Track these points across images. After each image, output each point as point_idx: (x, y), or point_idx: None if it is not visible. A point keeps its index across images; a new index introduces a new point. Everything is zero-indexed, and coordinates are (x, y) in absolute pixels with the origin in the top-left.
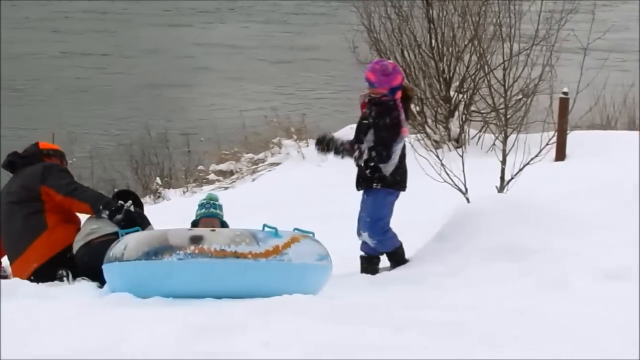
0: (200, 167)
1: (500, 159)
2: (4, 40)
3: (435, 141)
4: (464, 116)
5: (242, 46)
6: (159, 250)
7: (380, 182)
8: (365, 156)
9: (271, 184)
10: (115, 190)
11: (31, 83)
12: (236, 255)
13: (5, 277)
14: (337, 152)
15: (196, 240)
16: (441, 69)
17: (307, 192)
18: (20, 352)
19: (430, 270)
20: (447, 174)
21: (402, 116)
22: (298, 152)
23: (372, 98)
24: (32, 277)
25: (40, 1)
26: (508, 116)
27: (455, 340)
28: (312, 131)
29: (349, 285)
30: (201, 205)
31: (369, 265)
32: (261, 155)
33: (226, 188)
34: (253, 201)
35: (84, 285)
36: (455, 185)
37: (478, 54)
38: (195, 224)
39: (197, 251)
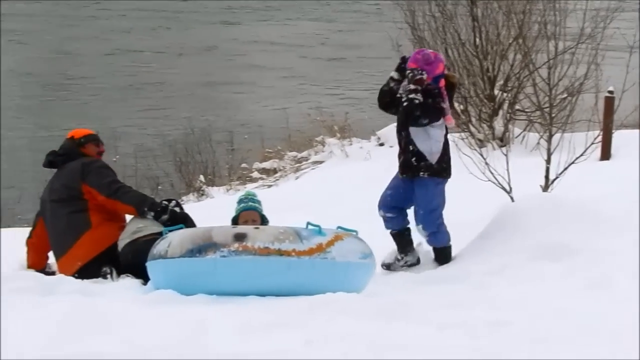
0: (243, 165)
1: (545, 158)
2: (57, 38)
3: (480, 140)
4: (508, 115)
5: (293, 44)
6: (203, 247)
7: (427, 170)
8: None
9: (314, 182)
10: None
11: (83, 80)
12: (280, 252)
13: (52, 273)
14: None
15: (240, 237)
16: (485, 67)
17: (350, 190)
18: (64, 349)
19: (474, 269)
20: (492, 173)
21: (446, 104)
22: (341, 151)
23: (416, 88)
24: (76, 275)
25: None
26: (553, 115)
27: (499, 339)
28: (356, 130)
29: (392, 283)
30: (240, 201)
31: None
32: (305, 154)
33: (269, 186)
34: (296, 199)
35: (128, 282)
36: (500, 184)
37: (522, 53)
38: (235, 219)
39: (240, 249)
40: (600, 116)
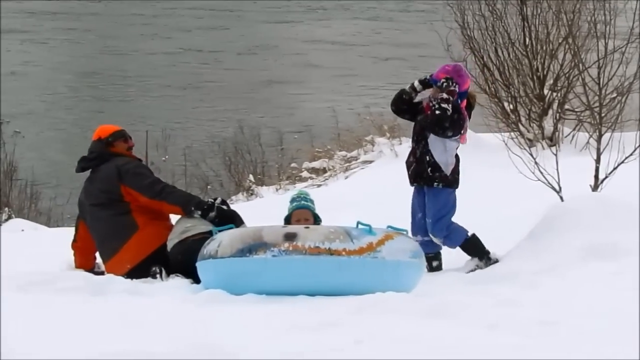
0: (293, 165)
1: (595, 157)
2: (114, 37)
3: (529, 139)
4: (557, 114)
5: (350, 43)
6: (253, 247)
7: (442, 181)
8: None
9: (364, 182)
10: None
11: (140, 79)
12: (330, 252)
13: (101, 273)
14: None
15: (290, 237)
16: (535, 67)
17: (400, 190)
18: (115, 347)
19: (524, 268)
20: (541, 172)
21: (467, 123)
22: (391, 150)
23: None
24: (125, 275)
25: (153, 1)
26: (602, 115)
27: (549, 339)
28: (405, 129)
29: (442, 283)
30: (292, 200)
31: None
32: (354, 153)
33: (319, 185)
34: (346, 199)
35: (178, 282)
36: (549, 183)
37: (572, 52)
38: (288, 217)
39: (291, 248)
40: None
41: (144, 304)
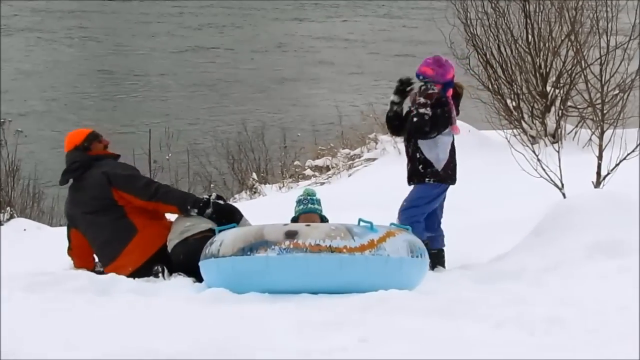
0: (296, 163)
1: (597, 154)
2: (129, 35)
3: (532, 136)
4: (560, 111)
5: (362, 40)
6: (255, 245)
7: (433, 177)
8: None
9: (367, 180)
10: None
11: (151, 77)
12: (331, 249)
13: (103, 272)
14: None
15: (291, 235)
16: (538, 64)
17: (403, 187)
18: (122, 347)
19: (529, 266)
20: (544, 169)
21: (454, 113)
22: (394, 148)
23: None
24: (127, 276)
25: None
26: (605, 111)
27: (556, 336)
28: None
29: (446, 280)
30: (299, 202)
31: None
32: (357, 151)
33: (322, 183)
34: (349, 196)
35: (181, 281)
36: (552, 180)
37: (575, 49)
38: (295, 220)
39: (292, 246)
40: None
41: (148, 303)
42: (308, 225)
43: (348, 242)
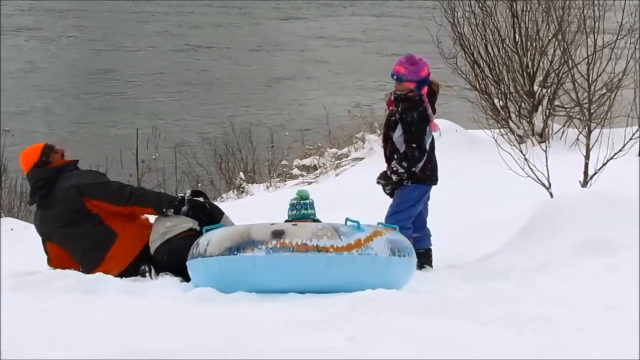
0: (284, 162)
1: (584, 153)
2: (123, 34)
3: (519, 136)
4: (547, 111)
5: (357, 39)
6: (241, 245)
7: (411, 179)
8: (396, 167)
9: (354, 179)
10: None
11: (147, 76)
12: (318, 249)
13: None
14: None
15: (278, 234)
16: (525, 63)
17: None
18: (112, 347)
19: (516, 265)
20: (531, 169)
21: (429, 111)
22: (382, 147)
23: (398, 95)
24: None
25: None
26: (592, 111)
27: (543, 335)
28: None
29: (434, 279)
30: (292, 206)
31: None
32: (345, 150)
33: (309, 183)
34: (336, 196)
35: (168, 281)
36: (539, 180)
37: (562, 49)
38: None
39: (278, 246)
40: (639, 111)
41: (136, 303)
42: (295, 224)
43: (335, 242)
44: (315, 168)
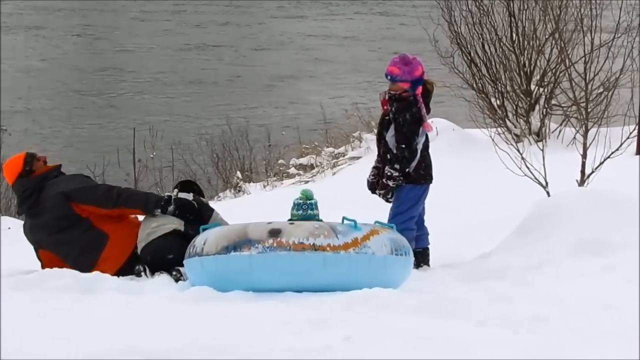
0: (280, 161)
1: (581, 152)
2: (128, 34)
3: (516, 135)
4: (544, 110)
5: (360, 38)
6: (238, 244)
7: (405, 178)
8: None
9: (351, 178)
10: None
11: (151, 75)
12: (315, 248)
13: None
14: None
15: (275, 233)
16: (522, 62)
17: None
18: (110, 346)
19: (513, 264)
20: (528, 168)
21: (423, 111)
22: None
23: (393, 94)
24: None
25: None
26: (589, 110)
27: (540, 335)
28: None
29: (431, 279)
30: (298, 206)
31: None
32: (342, 149)
33: (306, 182)
34: (333, 195)
35: (164, 280)
36: (536, 179)
37: (559, 48)
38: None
39: (275, 244)
40: (636, 110)
41: (133, 301)
42: (292, 223)
43: (332, 240)
44: (312, 167)
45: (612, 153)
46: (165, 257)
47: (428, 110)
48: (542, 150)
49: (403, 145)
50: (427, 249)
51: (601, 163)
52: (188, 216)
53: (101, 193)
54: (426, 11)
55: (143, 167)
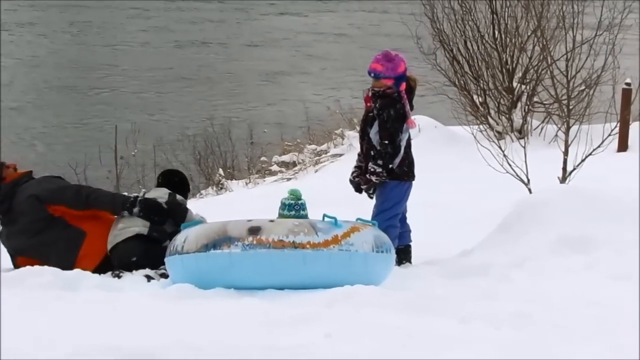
0: (263, 159)
1: (563, 149)
2: (116, 29)
3: (498, 132)
4: (526, 107)
5: (351, 35)
6: (218, 242)
7: (389, 175)
8: (373, 166)
9: (333, 175)
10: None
11: (143, 72)
12: (294, 245)
13: None
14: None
15: (254, 231)
16: (504, 60)
17: None
18: (92, 344)
19: (495, 261)
20: (510, 165)
21: (407, 107)
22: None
23: (376, 91)
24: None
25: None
26: (570, 107)
27: (522, 331)
28: None
29: (413, 276)
30: (290, 206)
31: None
32: (324, 147)
33: (289, 179)
34: (315, 192)
35: (144, 278)
36: (518, 176)
37: (541, 45)
38: None
39: (255, 242)
40: (617, 108)
41: (115, 299)
42: (272, 220)
43: (312, 238)
44: (294, 164)
45: (594, 150)
46: (129, 260)
47: (411, 107)
48: (524, 148)
49: (386, 142)
50: (409, 246)
51: (583, 160)
52: (152, 218)
53: (71, 195)
54: (409, 8)
55: (125, 164)
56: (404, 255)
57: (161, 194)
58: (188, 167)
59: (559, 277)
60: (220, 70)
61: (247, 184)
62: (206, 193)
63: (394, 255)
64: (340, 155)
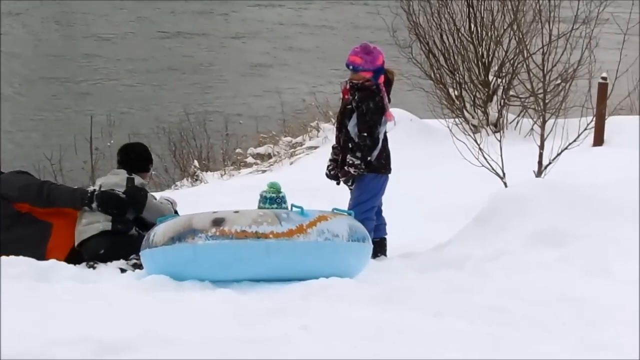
0: (238, 150)
1: (538, 143)
2: (101, 20)
3: (474, 125)
4: (502, 101)
5: (332, 27)
6: (183, 235)
7: (367, 167)
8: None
9: (309, 168)
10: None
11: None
12: (257, 235)
13: None
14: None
15: (218, 222)
16: (480, 53)
17: None
18: (67, 335)
19: (469, 255)
20: (485, 159)
21: (386, 100)
22: (335, 136)
23: (355, 84)
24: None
25: None
26: (546, 101)
27: (497, 325)
28: None
29: (388, 269)
30: (271, 200)
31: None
32: (299, 139)
33: (264, 171)
34: (291, 184)
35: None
36: (493, 169)
37: (517, 39)
38: None
39: (218, 233)
40: (593, 102)
41: (89, 290)
42: (236, 211)
43: (275, 228)
44: (269, 156)
45: (570, 144)
46: (98, 253)
47: (389, 100)
48: (500, 141)
49: (365, 134)
50: (385, 239)
51: (558, 154)
52: (112, 212)
53: (33, 194)
54: (386, 2)
55: (100, 155)
56: (379, 248)
57: (119, 181)
58: (163, 159)
59: (534, 271)
60: (201, 61)
61: (222, 175)
62: (181, 184)
63: (370, 245)
64: (316, 147)
